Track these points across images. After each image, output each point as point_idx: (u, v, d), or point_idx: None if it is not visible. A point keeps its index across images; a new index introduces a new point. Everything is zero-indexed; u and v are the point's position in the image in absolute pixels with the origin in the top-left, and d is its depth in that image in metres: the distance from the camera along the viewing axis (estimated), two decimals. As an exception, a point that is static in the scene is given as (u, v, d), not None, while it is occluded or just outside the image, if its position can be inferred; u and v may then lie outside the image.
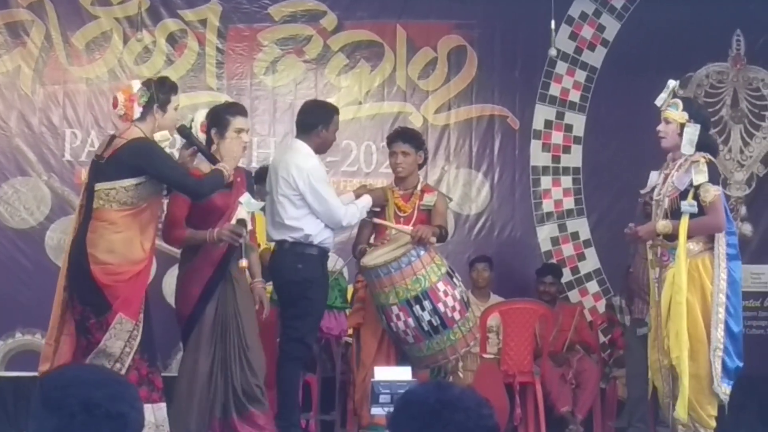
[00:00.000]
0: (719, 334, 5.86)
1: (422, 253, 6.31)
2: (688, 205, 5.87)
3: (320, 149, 6.63)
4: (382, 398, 5.56)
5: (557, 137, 8.52)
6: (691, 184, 5.89)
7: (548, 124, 8.52)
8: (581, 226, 8.52)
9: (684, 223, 5.88)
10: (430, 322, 6.24)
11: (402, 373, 5.73)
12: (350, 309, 7.07)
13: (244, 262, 5.89)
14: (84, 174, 7.29)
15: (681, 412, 5.85)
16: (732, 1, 8.61)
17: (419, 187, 6.81)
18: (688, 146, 5.94)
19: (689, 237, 5.90)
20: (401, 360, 6.44)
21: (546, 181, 8.50)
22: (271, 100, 8.17)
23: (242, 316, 5.98)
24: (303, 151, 6.49)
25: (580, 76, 8.54)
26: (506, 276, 8.31)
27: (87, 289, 5.56)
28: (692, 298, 5.88)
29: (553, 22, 7.31)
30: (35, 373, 7.07)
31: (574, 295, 8.46)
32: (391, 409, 5.43)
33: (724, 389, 5.91)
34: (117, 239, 5.55)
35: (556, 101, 8.52)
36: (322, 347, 7.41)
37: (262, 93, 8.08)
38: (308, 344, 6.58)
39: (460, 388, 2.25)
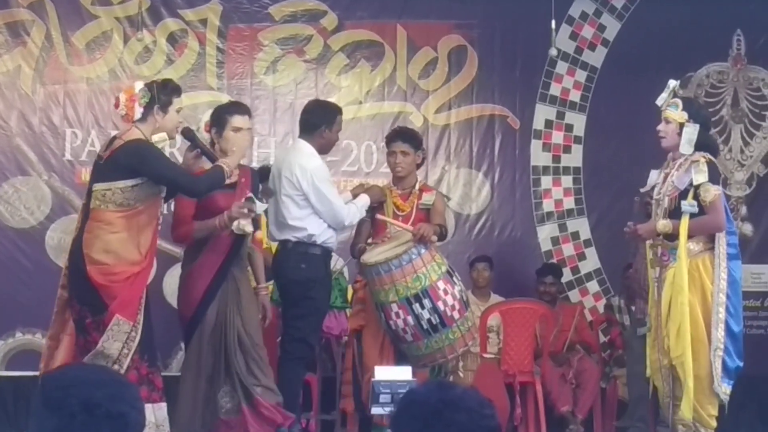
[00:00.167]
0: (720, 333, 5.86)
1: (423, 251, 6.32)
2: (689, 205, 5.87)
3: (323, 149, 6.63)
4: (383, 398, 5.57)
5: (558, 137, 8.52)
6: (691, 184, 5.90)
7: (549, 123, 8.52)
8: (581, 226, 8.52)
9: (684, 223, 5.88)
10: (429, 320, 6.25)
11: (402, 373, 5.74)
12: (350, 309, 7.07)
13: (258, 234, 5.97)
14: (85, 174, 7.31)
15: (686, 411, 5.85)
16: (732, 1, 8.61)
17: (417, 187, 6.82)
18: (686, 146, 5.94)
19: (689, 237, 5.90)
20: (399, 359, 6.44)
21: (546, 181, 8.50)
22: (272, 99, 8.16)
23: (245, 316, 5.98)
24: (306, 151, 6.50)
25: (581, 75, 8.54)
26: (506, 276, 8.30)
27: (83, 289, 5.56)
28: (692, 298, 5.88)
29: (553, 22, 7.32)
30: (35, 373, 7.08)
31: (574, 295, 8.46)
32: (392, 409, 5.45)
33: (725, 389, 5.91)
34: (113, 240, 5.54)
35: (557, 101, 8.52)
36: (323, 347, 7.41)
37: (263, 93, 8.08)
38: (310, 344, 6.58)
39: (462, 388, 2.25)
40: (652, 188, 6.14)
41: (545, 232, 8.50)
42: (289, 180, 6.40)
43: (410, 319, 6.24)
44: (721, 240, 5.93)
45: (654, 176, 6.18)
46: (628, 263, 7.72)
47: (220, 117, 6.13)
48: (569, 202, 8.52)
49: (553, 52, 7.54)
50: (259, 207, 6.02)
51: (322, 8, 8.23)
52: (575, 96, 8.54)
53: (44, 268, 7.62)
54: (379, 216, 6.66)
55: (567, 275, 8.42)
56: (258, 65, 8.15)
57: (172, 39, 8.02)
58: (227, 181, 5.96)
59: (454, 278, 6.43)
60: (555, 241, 8.50)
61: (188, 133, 5.98)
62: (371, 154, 8.12)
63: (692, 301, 5.87)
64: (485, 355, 7.70)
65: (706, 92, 8.62)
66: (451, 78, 8.39)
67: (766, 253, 8.56)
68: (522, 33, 8.39)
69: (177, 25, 8.03)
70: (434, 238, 6.48)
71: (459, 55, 8.41)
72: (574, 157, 8.53)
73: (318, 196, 6.40)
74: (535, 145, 8.50)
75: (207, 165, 5.94)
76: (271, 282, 6.65)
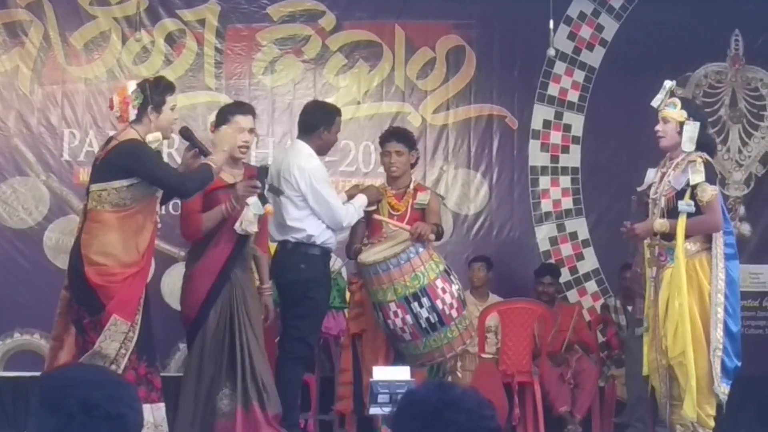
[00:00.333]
0: (718, 334, 5.87)
1: (421, 250, 6.32)
2: (686, 205, 5.88)
3: (321, 150, 6.64)
4: (381, 398, 5.56)
5: (556, 137, 8.52)
6: (687, 184, 5.90)
7: (547, 124, 8.52)
8: (580, 226, 8.53)
9: (682, 223, 5.89)
10: (428, 319, 6.25)
11: (401, 373, 5.74)
12: (348, 309, 7.07)
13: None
14: (83, 174, 7.32)
15: (689, 411, 5.85)
16: (730, 1, 8.62)
17: (412, 186, 6.83)
18: (688, 143, 5.95)
19: (687, 236, 5.91)
20: (397, 359, 6.44)
21: (544, 181, 8.50)
22: (270, 100, 8.16)
23: (251, 317, 5.97)
24: (305, 152, 6.50)
25: (579, 76, 8.54)
26: (505, 276, 8.31)
27: (81, 290, 5.56)
28: (689, 298, 5.88)
29: (551, 22, 7.32)
30: (34, 373, 7.11)
31: (572, 295, 8.46)
32: (390, 409, 5.45)
33: (723, 389, 5.92)
34: (110, 240, 5.53)
35: (555, 101, 8.52)
36: (321, 347, 7.41)
37: (261, 93, 8.07)
38: (310, 344, 6.58)
39: (462, 388, 2.25)
40: (649, 187, 6.15)
41: (543, 232, 8.50)
42: (288, 181, 6.41)
43: (409, 318, 6.25)
44: (719, 240, 5.94)
45: (651, 175, 6.18)
46: (624, 263, 7.74)
47: (223, 117, 6.15)
48: (567, 203, 8.53)
49: (552, 52, 7.54)
50: (260, 207, 6.01)
51: (321, 8, 8.23)
52: (573, 96, 8.54)
53: (42, 269, 7.62)
54: (376, 216, 6.66)
55: (565, 275, 8.43)
56: (256, 65, 8.15)
57: (170, 39, 8.02)
58: (231, 181, 5.97)
59: (452, 277, 6.43)
60: (553, 241, 8.51)
61: (186, 133, 5.98)
62: (369, 155, 8.12)
63: (689, 301, 5.87)
64: (483, 355, 7.71)
65: (704, 92, 8.63)
66: (449, 78, 8.39)
67: (764, 253, 8.57)
68: (520, 33, 8.39)
69: (175, 26, 8.02)
70: (432, 236, 6.49)
71: (457, 56, 8.41)
72: (573, 157, 8.54)
73: (316, 197, 6.41)
74: (534, 145, 8.50)
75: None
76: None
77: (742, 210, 8.61)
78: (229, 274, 5.98)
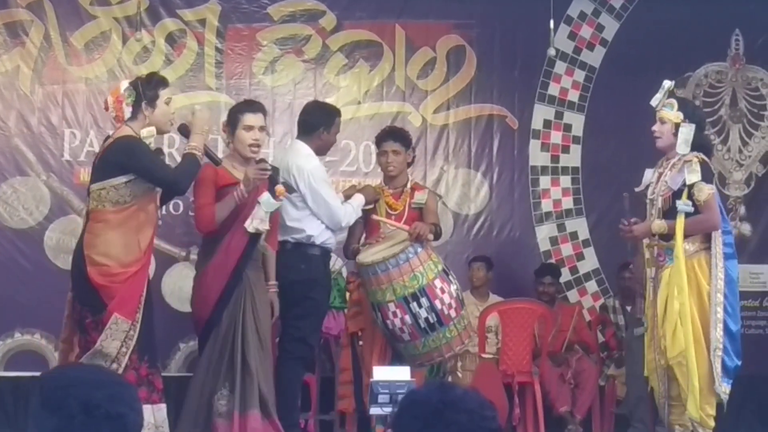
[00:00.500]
0: (718, 333, 5.87)
1: (419, 250, 6.32)
2: (684, 205, 5.89)
3: (320, 151, 6.65)
4: (381, 398, 5.56)
5: (556, 137, 8.52)
6: (684, 184, 5.91)
7: (547, 123, 8.52)
8: (580, 226, 8.53)
9: (680, 223, 5.89)
10: (426, 319, 6.25)
11: (401, 373, 5.74)
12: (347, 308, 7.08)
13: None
14: (84, 174, 7.32)
15: (693, 411, 5.86)
16: (731, 1, 8.62)
17: (409, 185, 6.83)
18: (683, 145, 5.96)
19: (686, 236, 5.91)
20: (395, 359, 6.44)
21: (545, 181, 8.50)
22: (270, 99, 8.14)
23: (259, 318, 5.95)
24: (304, 152, 6.50)
25: (579, 75, 8.54)
26: (505, 276, 8.31)
27: (84, 290, 5.57)
28: (689, 297, 5.89)
29: (552, 22, 7.33)
30: (34, 373, 7.11)
31: (573, 295, 8.46)
32: (391, 409, 5.45)
33: (725, 388, 5.92)
34: (112, 240, 5.53)
35: (555, 101, 8.52)
36: (321, 347, 7.41)
37: (261, 93, 8.07)
38: (310, 344, 6.58)
39: (463, 389, 2.25)
40: (647, 187, 6.16)
41: (544, 232, 8.50)
42: (287, 181, 6.40)
43: (408, 318, 6.25)
44: (717, 240, 5.94)
45: (648, 175, 6.20)
46: (622, 263, 7.74)
47: (233, 116, 6.17)
48: (568, 202, 8.53)
49: (552, 51, 7.54)
50: (274, 205, 6.01)
51: (321, 8, 8.23)
52: (574, 96, 8.54)
53: (43, 269, 7.62)
54: (374, 217, 6.67)
55: (566, 275, 8.43)
56: (256, 65, 8.15)
57: (170, 39, 8.02)
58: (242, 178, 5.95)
59: (450, 277, 6.44)
60: (554, 241, 8.51)
61: (184, 130, 5.97)
62: (370, 155, 8.10)
63: (689, 301, 5.88)
64: (484, 355, 7.71)
65: (705, 92, 8.63)
66: (449, 78, 8.39)
67: (764, 253, 8.57)
68: (521, 33, 8.40)
69: (175, 26, 8.02)
70: (431, 236, 6.49)
71: (457, 55, 8.41)
72: (573, 157, 8.54)
73: (315, 197, 6.41)
74: (534, 145, 8.50)
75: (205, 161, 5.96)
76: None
77: (742, 210, 8.61)
78: (242, 273, 5.96)
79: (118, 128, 5.73)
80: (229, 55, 8.10)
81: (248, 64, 8.13)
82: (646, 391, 6.40)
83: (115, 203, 5.55)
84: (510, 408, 7.44)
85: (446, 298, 6.30)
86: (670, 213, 5.97)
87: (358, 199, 6.68)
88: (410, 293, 6.24)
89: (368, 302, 6.48)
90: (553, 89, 8.51)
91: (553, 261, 8.41)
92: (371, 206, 6.74)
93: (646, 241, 6.11)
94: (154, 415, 5.57)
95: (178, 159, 6.52)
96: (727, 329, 5.90)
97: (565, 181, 8.52)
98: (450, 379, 7.52)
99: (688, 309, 5.85)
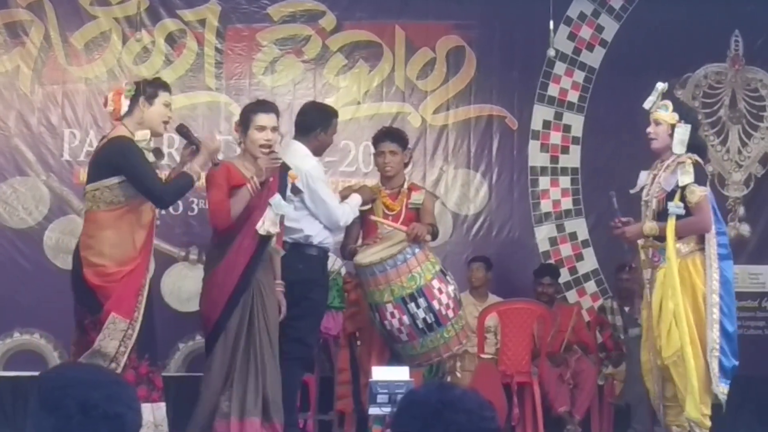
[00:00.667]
0: (714, 334, 5.88)
1: (417, 250, 6.33)
2: (675, 207, 5.90)
3: (317, 151, 6.65)
4: (380, 398, 5.57)
5: (556, 137, 8.53)
6: (677, 185, 5.92)
7: (547, 124, 8.52)
8: (579, 227, 8.53)
9: (671, 225, 5.91)
10: (424, 319, 6.26)
11: (400, 373, 5.74)
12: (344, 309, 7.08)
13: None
14: (83, 174, 7.31)
15: (692, 411, 5.86)
16: (730, 2, 8.62)
17: (406, 186, 6.83)
18: (679, 146, 5.98)
19: (678, 238, 5.93)
20: (393, 359, 6.45)
21: (544, 182, 8.50)
22: (270, 100, 8.14)
23: (268, 318, 5.95)
24: (301, 152, 6.50)
25: (579, 76, 8.55)
26: (504, 276, 8.31)
27: (81, 291, 5.57)
28: (683, 298, 5.89)
29: (551, 23, 7.33)
30: (33, 373, 7.10)
31: (572, 296, 8.46)
32: (390, 410, 5.44)
33: (722, 389, 5.92)
34: (107, 240, 5.52)
35: (555, 101, 8.53)
36: (321, 347, 7.41)
37: (261, 93, 8.05)
38: (308, 344, 6.58)
39: (463, 389, 2.26)
40: (641, 189, 6.17)
41: (543, 233, 8.51)
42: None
43: (406, 319, 6.25)
44: (712, 241, 5.95)
45: (643, 177, 6.21)
46: (619, 264, 7.75)
47: (245, 116, 6.14)
48: (567, 203, 8.53)
49: (552, 52, 7.55)
50: (285, 207, 6.00)
51: (321, 9, 8.23)
52: (573, 96, 8.54)
53: (42, 269, 7.62)
54: (372, 217, 6.67)
55: (565, 276, 8.43)
56: (256, 66, 8.15)
57: (170, 39, 8.02)
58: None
59: (448, 277, 6.45)
60: (553, 241, 8.51)
61: (182, 130, 5.96)
62: (369, 155, 8.08)
63: (683, 302, 5.88)
64: (483, 356, 7.71)
65: (704, 93, 8.63)
66: (449, 78, 8.40)
67: (763, 254, 8.57)
68: (520, 33, 8.40)
69: (175, 26, 8.03)
70: (428, 237, 6.50)
71: (457, 56, 8.42)
72: (572, 158, 8.54)
73: (313, 197, 6.41)
74: (533, 145, 8.50)
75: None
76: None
77: (741, 210, 8.61)
78: (252, 275, 5.93)
79: (113, 128, 5.73)
80: (228, 55, 8.10)
81: (248, 65, 8.13)
82: (645, 393, 6.40)
83: (109, 203, 5.54)
84: (509, 408, 7.44)
85: (444, 298, 6.31)
86: (664, 214, 5.98)
87: (356, 199, 6.68)
88: (408, 294, 6.24)
89: (366, 303, 6.48)
90: (553, 90, 8.52)
91: (552, 261, 8.41)
92: (368, 206, 6.74)
93: (640, 242, 6.11)
94: (154, 413, 5.57)
95: (178, 159, 6.52)
96: (723, 330, 5.91)
97: (565, 181, 8.53)
98: (449, 379, 7.52)
99: (682, 309, 5.85)
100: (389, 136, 6.86)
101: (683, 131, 5.97)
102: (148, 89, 5.67)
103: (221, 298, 5.92)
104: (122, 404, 2.19)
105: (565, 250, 8.51)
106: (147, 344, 5.61)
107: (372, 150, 7.03)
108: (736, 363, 5.96)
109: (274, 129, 6.11)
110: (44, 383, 2.22)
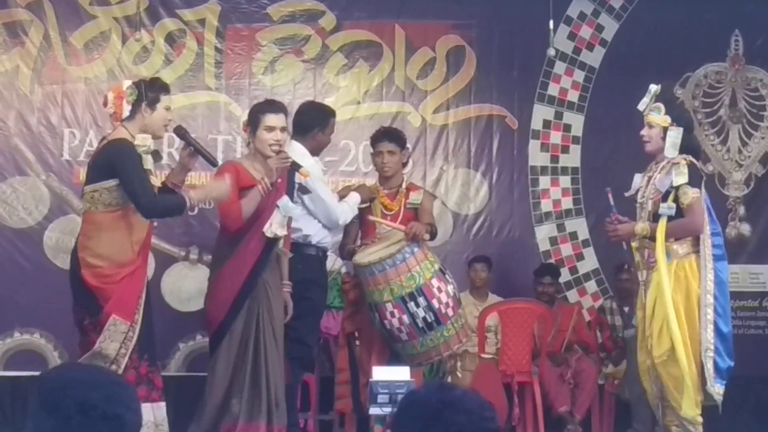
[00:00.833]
0: (709, 335, 5.88)
1: (416, 249, 6.33)
2: (667, 208, 5.91)
3: (315, 151, 6.65)
4: (380, 398, 5.57)
5: (556, 137, 8.53)
6: (671, 186, 5.92)
7: (547, 123, 8.52)
8: (580, 226, 8.53)
9: (662, 226, 5.91)
10: (424, 318, 6.26)
11: (400, 373, 5.74)
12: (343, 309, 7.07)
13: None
14: (83, 174, 7.31)
15: (688, 410, 5.86)
16: (730, 2, 8.62)
17: (404, 186, 6.83)
18: (671, 149, 5.98)
19: (675, 239, 5.94)
20: (393, 359, 6.45)
21: (544, 181, 8.50)
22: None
23: (274, 319, 5.94)
24: (299, 151, 6.49)
25: (579, 76, 8.54)
26: (505, 276, 8.31)
27: (80, 292, 5.55)
28: (676, 298, 5.90)
29: (551, 22, 7.33)
30: (33, 373, 7.12)
31: (572, 295, 8.46)
32: (390, 410, 5.44)
33: (718, 389, 5.92)
34: (105, 241, 5.50)
35: (555, 101, 8.52)
36: (321, 347, 7.41)
37: (261, 93, 8.06)
38: (308, 344, 6.57)
39: (463, 389, 2.26)
40: (636, 191, 6.18)
41: (543, 232, 8.50)
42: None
43: (405, 318, 6.25)
44: (706, 242, 5.95)
45: (638, 180, 6.22)
46: (618, 264, 7.74)
47: (254, 116, 6.09)
48: (567, 202, 8.53)
49: (552, 52, 7.55)
50: (293, 209, 5.98)
51: (321, 8, 8.23)
52: (573, 96, 8.54)
53: (42, 268, 7.63)
54: (370, 217, 6.67)
55: (565, 275, 8.43)
56: (256, 65, 8.15)
57: (170, 39, 8.02)
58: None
59: (447, 276, 6.45)
60: (553, 241, 8.51)
61: (180, 131, 5.95)
62: (369, 155, 8.10)
63: (676, 302, 5.89)
64: (483, 356, 7.71)
65: (704, 92, 8.63)
66: (449, 78, 8.39)
67: (763, 254, 8.57)
68: (520, 33, 8.40)
69: (175, 25, 8.03)
70: (427, 236, 6.50)
71: (457, 56, 8.42)
72: (573, 157, 8.54)
73: (312, 196, 6.41)
74: (533, 145, 8.50)
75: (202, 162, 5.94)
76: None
77: (741, 210, 8.61)
78: (258, 277, 5.89)
79: (114, 129, 5.71)
80: (228, 55, 8.10)
81: (248, 64, 8.13)
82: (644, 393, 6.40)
83: (107, 205, 5.52)
84: (509, 408, 7.44)
85: (443, 297, 6.31)
86: (659, 216, 6.00)
87: (354, 198, 6.69)
88: (407, 293, 6.24)
89: (365, 302, 6.48)
90: (553, 89, 8.52)
91: (552, 261, 8.41)
92: (367, 205, 6.75)
93: (635, 243, 6.12)
94: (154, 413, 5.56)
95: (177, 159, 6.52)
96: (718, 330, 5.91)
97: (565, 181, 8.52)
98: (449, 379, 7.53)
99: (673, 309, 5.85)
100: (387, 136, 6.86)
101: (676, 134, 5.98)
102: (149, 94, 5.62)
103: (227, 300, 5.89)
104: (122, 405, 2.19)
105: (566, 249, 8.51)
106: (146, 344, 5.60)
107: (371, 150, 7.02)
108: (732, 363, 5.96)
109: (283, 129, 6.07)
110: (44, 384, 2.22)
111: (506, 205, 8.46)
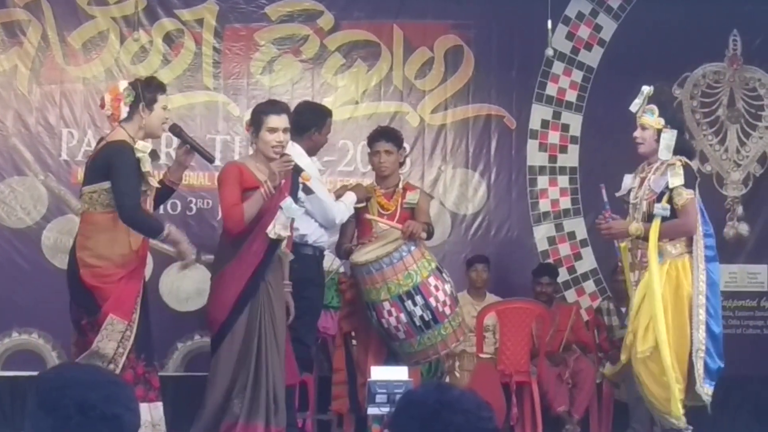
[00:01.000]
0: (701, 335, 5.89)
1: (413, 248, 6.35)
2: (661, 208, 5.92)
3: (312, 151, 6.66)
4: (379, 398, 5.57)
5: (554, 137, 8.52)
6: (667, 187, 5.93)
7: (545, 123, 8.52)
8: (578, 226, 8.53)
9: (655, 226, 5.93)
10: (422, 316, 6.27)
11: (398, 373, 5.74)
12: (340, 308, 7.07)
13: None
14: (81, 174, 7.31)
15: (675, 410, 5.87)
16: (729, 2, 8.62)
17: (401, 185, 6.84)
18: (665, 151, 6.00)
19: (668, 239, 5.95)
20: (390, 358, 6.45)
21: (543, 181, 8.50)
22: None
23: (276, 320, 5.93)
24: (295, 151, 6.49)
25: (577, 75, 8.54)
26: (503, 276, 8.31)
27: (78, 291, 5.56)
28: (665, 297, 5.91)
29: (549, 22, 7.33)
30: (32, 373, 7.10)
31: (570, 295, 8.46)
32: (388, 409, 5.45)
33: (707, 390, 5.93)
34: (103, 242, 5.51)
35: (553, 101, 8.52)
36: (319, 347, 7.41)
37: (259, 93, 8.06)
38: (306, 344, 6.58)
39: (461, 389, 2.26)
40: (628, 192, 6.18)
41: (541, 232, 8.50)
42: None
43: (403, 317, 6.26)
44: (699, 243, 5.97)
45: (628, 181, 6.24)
46: (614, 265, 7.74)
47: (256, 117, 6.07)
48: (565, 202, 8.53)
49: (550, 52, 7.55)
50: (296, 211, 5.96)
51: (319, 8, 8.23)
52: (571, 96, 8.54)
53: (40, 268, 7.62)
54: (367, 216, 6.68)
55: (563, 275, 8.42)
56: (254, 65, 8.14)
57: (168, 39, 8.02)
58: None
59: (444, 275, 6.47)
60: (551, 240, 8.51)
61: (175, 130, 5.95)
62: (367, 154, 8.12)
63: (665, 301, 5.89)
64: (481, 355, 7.71)
65: (702, 92, 8.63)
66: (447, 78, 8.39)
67: (762, 254, 8.57)
68: (518, 33, 8.40)
69: (173, 25, 8.02)
70: (424, 234, 6.50)
71: (455, 55, 8.41)
72: (571, 157, 8.54)
73: (308, 196, 6.40)
74: (532, 145, 8.50)
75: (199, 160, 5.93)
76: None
77: (740, 210, 8.61)
78: (261, 278, 5.88)
79: (112, 130, 5.70)
80: (226, 55, 8.10)
81: (246, 64, 8.13)
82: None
83: (105, 206, 5.52)
84: (508, 408, 7.44)
85: (441, 295, 6.33)
86: (653, 216, 6.01)
87: (351, 197, 6.69)
88: (405, 291, 6.26)
89: (362, 302, 6.48)
90: (551, 89, 8.51)
91: (550, 261, 8.41)
92: (363, 204, 6.75)
93: (628, 244, 6.13)
94: (151, 413, 5.56)
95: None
96: (709, 331, 5.93)
97: (563, 181, 8.52)
98: (447, 379, 7.53)
99: (661, 309, 5.86)
100: (384, 135, 6.86)
101: (669, 137, 6.00)
102: (147, 94, 5.61)
103: (229, 301, 5.88)
104: (120, 405, 2.18)
105: (564, 249, 8.51)
106: (143, 344, 5.60)
107: (368, 149, 7.03)
108: (722, 365, 5.97)
109: (286, 130, 6.04)
110: (42, 384, 2.22)
111: (504, 204, 8.46)
